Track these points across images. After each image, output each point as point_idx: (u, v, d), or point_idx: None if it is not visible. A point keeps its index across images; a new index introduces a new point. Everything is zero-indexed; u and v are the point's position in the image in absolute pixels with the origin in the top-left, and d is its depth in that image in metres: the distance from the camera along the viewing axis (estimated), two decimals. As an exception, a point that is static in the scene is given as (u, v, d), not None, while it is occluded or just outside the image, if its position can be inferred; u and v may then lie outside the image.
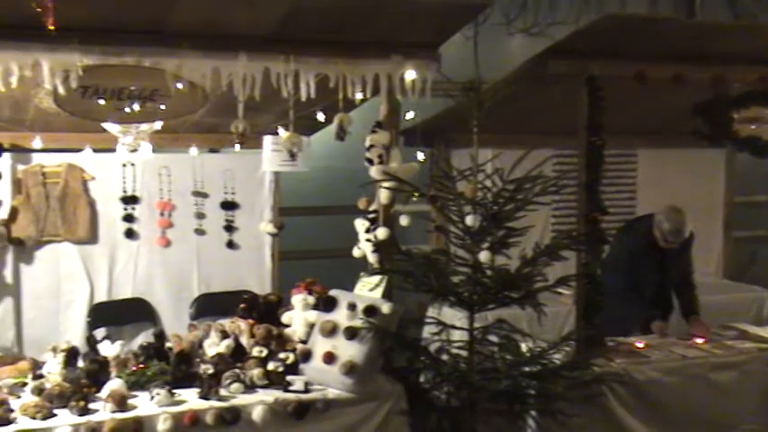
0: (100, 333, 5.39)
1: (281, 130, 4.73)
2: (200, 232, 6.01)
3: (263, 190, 6.18)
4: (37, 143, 5.31)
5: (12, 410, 3.79)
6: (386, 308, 4.33)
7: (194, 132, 5.80)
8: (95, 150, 5.58)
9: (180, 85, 4.17)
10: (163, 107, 4.24)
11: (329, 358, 4.30)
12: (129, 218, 5.82)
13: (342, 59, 4.43)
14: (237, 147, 4.70)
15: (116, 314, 5.74)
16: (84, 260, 5.71)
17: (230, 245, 6.08)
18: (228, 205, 6.08)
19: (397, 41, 4.54)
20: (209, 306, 5.85)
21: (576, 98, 4.77)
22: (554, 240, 4.46)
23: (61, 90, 3.98)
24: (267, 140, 5.82)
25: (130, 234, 5.83)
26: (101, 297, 5.76)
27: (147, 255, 5.88)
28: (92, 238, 5.73)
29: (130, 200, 5.82)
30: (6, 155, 5.34)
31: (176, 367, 4.33)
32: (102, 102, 4.14)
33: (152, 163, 5.72)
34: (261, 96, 4.27)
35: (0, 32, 3.81)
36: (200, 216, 6.01)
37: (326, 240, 7.03)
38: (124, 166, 5.77)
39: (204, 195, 6.02)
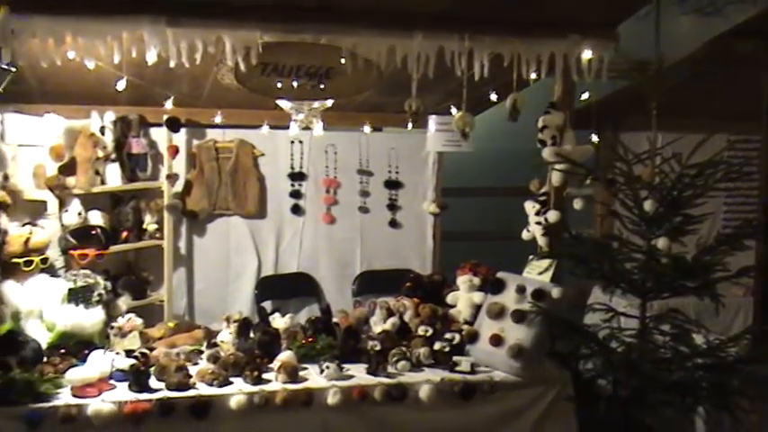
0: (266, 306, 5.54)
1: (453, 110, 4.67)
2: (363, 210, 6.08)
3: (426, 170, 6.18)
4: (217, 118, 5.51)
5: (190, 376, 3.94)
6: (555, 292, 4.23)
7: (360, 111, 5.87)
8: (265, 127, 5.70)
9: (355, 64, 4.18)
10: (338, 85, 4.26)
11: (496, 340, 4.24)
12: (295, 194, 5.96)
13: (517, 38, 4.32)
14: (410, 125, 4.69)
15: (281, 288, 5.89)
16: (252, 234, 5.89)
17: (393, 224, 6.12)
18: (392, 184, 6.11)
19: (574, 20, 4.39)
20: (372, 283, 5.92)
21: (756, 81, 4.47)
22: (736, 229, 4.21)
23: (242, 67, 4.08)
24: (432, 120, 5.82)
25: (297, 210, 5.96)
26: (267, 270, 5.93)
27: (312, 231, 6.00)
28: (260, 212, 5.91)
29: (298, 176, 5.95)
30: (183, 130, 5.54)
31: (344, 342, 4.39)
32: (279, 78, 4.20)
33: (319, 140, 5.82)
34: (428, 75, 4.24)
35: (186, 10, 3.93)
36: (365, 194, 6.08)
37: (486, 222, 6.97)
38: (292, 143, 5.90)
39: (369, 174, 6.08)
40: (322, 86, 4.28)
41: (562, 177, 4.49)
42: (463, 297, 4.78)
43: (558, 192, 4.59)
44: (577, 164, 4.25)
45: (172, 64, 3.97)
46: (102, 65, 4.07)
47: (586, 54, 4.36)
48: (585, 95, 4.77)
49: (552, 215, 4.52)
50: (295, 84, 4.21)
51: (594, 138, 4.86)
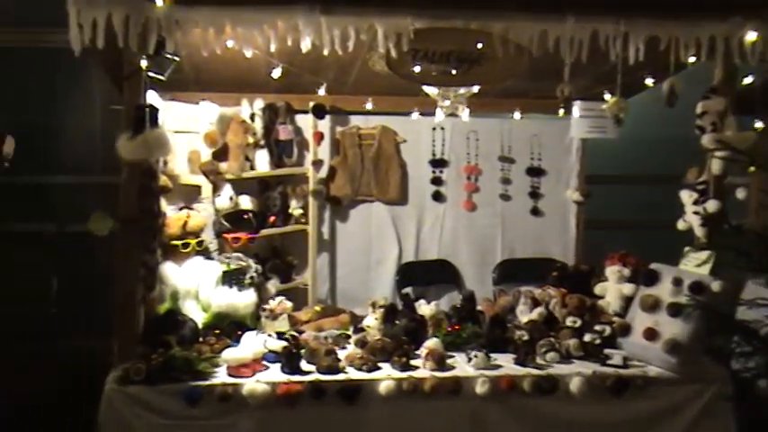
0: (407, 292, 5.56)
1: (607, 95, 4.54)
2: (505, 197, 6.00)
3: (569, 157, 6.04)
4: (369, 105, 5.57)
5: (339, 360, 3.99)
6: (715, 286, 4.04)
7: (502, 97, 5.79)
8: (415, 114, 5.69)
9: (506, 49, 4.11)
10: (487, 71, 4.21)
11: (650, 334, 4.10)
12: (436, 181, 5.94)
13: (675, 21, 4.14)
14: (561, 111, 4.58)
15: (422, 274, 5.89)
16: (393, 220, 5.92)
17: (535, 211, 6.02)
18: (534, 171, 6.01)
19: (736, 1, 4.17)
20: (513, 272, 5.84)
21: None
22: None
23: (393, 53, 4.07)
24: (576, 106, 5.67)
25: (438, 197, 5.95)
26: (408, 257, 5.94)
27: (452, 218, 5.97)
28: (402, 199, 5.92)
29: (439, 163, 5.93)
30: (327, 117, 5.61)
31: (490, 331, 4.35)
32: (430, 65, 4.18)
33: (461, 127, 5.79)
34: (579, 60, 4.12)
35: (340, -1, 3.97)
36: (506, 181, 6.00)
37: (630, 211, 6.75)
38: (434, 129, 5.88)
39: (510, 161, 6.00)
40: (470, 72, 4.23)
41: (723, 165, 4.29)
42: (612, 288, 4.66)
43: (719, 180, 4.39)
44: (740, 151, 4.05)
45: (325, 52, 4.01)
46: (258, 53, 4.16)
47: (750, 36, 4.14)
48: (749, 79, 4.53)
49: (712, 205, 4.33)
50: (453, 70, 4.17)
51: (758, 124, 4.61)
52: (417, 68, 4.17)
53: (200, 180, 4.95)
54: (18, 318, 3.56)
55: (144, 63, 3.94)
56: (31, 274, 3.71)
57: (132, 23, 3.66)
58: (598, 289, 4.73)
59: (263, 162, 5.33)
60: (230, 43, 4.05)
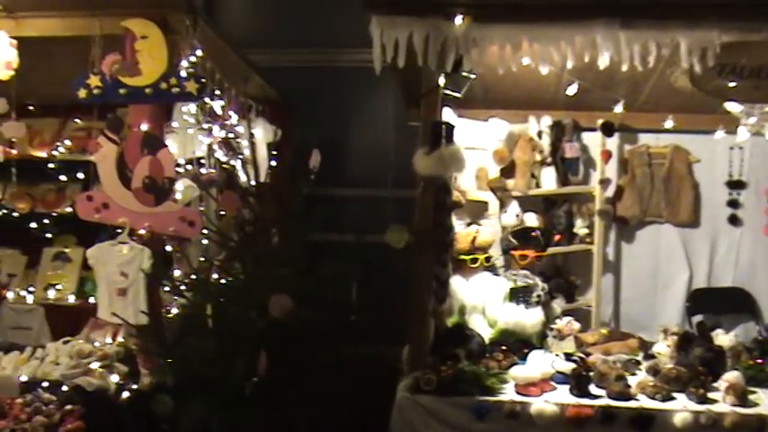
0: (696, 320, 5.25)
1: None
2: (811, 223, 5.50)
3: None
4: (668, 123, 5.36)
5: (629, 386, 3.84)
6: None
7: (813, 114, 5.30)
8: (719, 132, 5.38)
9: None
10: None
11: None
12: (733, 203, 5.58)
13: None
14: None
15: (715, 302, 5.54)
16: (684, 243, 5.63)
17: None
18: None
19: None
20: (821, 305, 5.33)
21: None
22: None
23: (698, 68, 3.87)
24: None
25: (734, 220, 5.59)
26: (699, 283, 5.62)
27: (750, 243, 5.58)
28: (693, 221, 5.63)
29: (736, 185, 5.56)
30: (616, 135, 5.45)
31: (798, 369, 3.99)
32: (737, 80, 3.93)
33: (762, 146, 5.38)
34: None
35: (641, 12, 3.82)
36: (814, 206, 5.50)
37: None
38: (731, 149, 5.52)
39: (818, 184, 5.49)
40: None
41: None
42: None
43: None
44: None
45: (624, 67, 3.90)
46: (553, 69, 4.13)
47: None
48: None
49: None
50: (761, 86, 3.90)
51: None
52: (724, 84, 3.93)
53: (487, 196, 5.01)
54: (322, 324, 3.78)
55: (441, 81, 4.05)
56: (335, 283, 3.93)
57: (432, 42, 3.77)
58: None
59: (548, 180, 5.30)
60: (526, 60, 4.06)
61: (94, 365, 3.94)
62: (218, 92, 4.61)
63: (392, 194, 5.55)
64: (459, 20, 3.76)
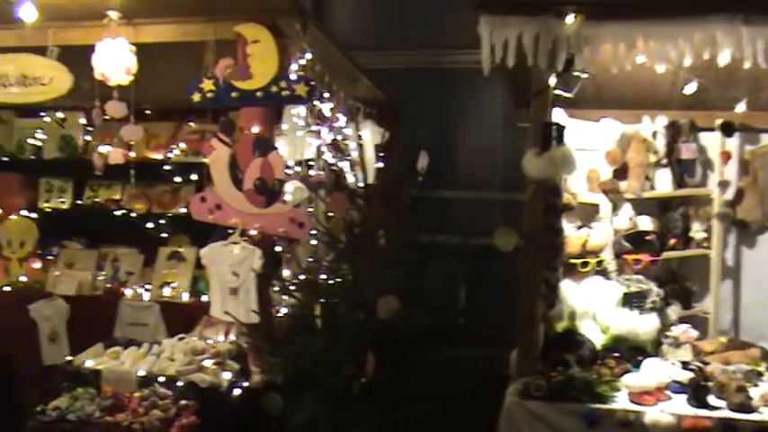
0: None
1: None
2: None
3: None
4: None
5: (751, 398, 3.67)
6: None
7: None
8: None
9: None
10: None
11: None
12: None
13: None
14: None
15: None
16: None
17: None
18: None
19: None
20: None
21: None
22: None
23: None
24: None
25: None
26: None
27: None
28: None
29: None
30: (736, 135, 5.23)
31: None
32: None
33: None
34: None
35: (765, 6, 3.65)
36: None
37: None
38: None
39: None
40: None
41: None
42: None
43: None
44: None
45: (746, 65, 3.73)
46: (669, 68, 3.99)
47: None
48: None
49: None
50: None
51: None
52: None
53: (599, 199, 4.88)
54: (430, 326, 3.77)
55: (552, 81, 3.97)
56: (442, 285, 3.91)
57: (542, 42, 3.69)
58: None
59: (663, 182, 5.12)
60: (640, 59, 3.93)
61: (208, 362, 4.04)
62: (326, 94, 4.67)
63: (500, 196, 5.49)
64: (570, 18, 3.68)
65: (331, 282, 4.09)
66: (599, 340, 4.28)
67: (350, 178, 4.92)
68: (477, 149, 5.88)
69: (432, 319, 3.82)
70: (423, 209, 4.23)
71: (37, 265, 6.17)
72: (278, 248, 4.38)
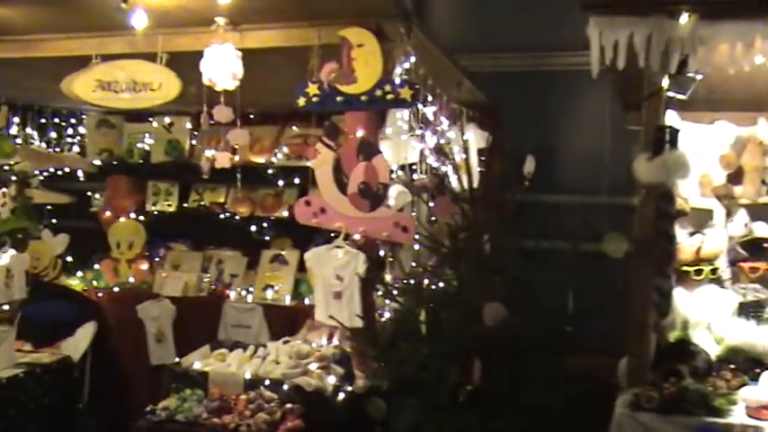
0: None
1: None
2: None
3: None
4: None
5: None
6: None
7: None
8: None
9: None
10: None
11: None
12: None
13: None
14: None
15: None
16: None
17: None
18: None
19: None
20: None
21: None
22: None
23: None
24: None
25: None
26: None
27: None
28: None
29: None
30: None
31: None
32: None
33: None
34: None
35: None
36: None
37: None
38: None
39: None
40: None
41: None
42: None
43: None
44: None
45: None
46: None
47: None
48: None
49: None
50: None
51: None
52: None
53: (712, 204, 4.70)
54: (537, 333, 3.69)
55: (665, 82, 3.84)
56: (549, 292, 3.82)
57: (654, 42, 3.58)
58: None
59: (787, 187, 4.90)
60: (759, 59, 3.77)
61: (313, 366, 4.06)
62: (430, 98, 4.64)
63: (607, 201, 5.35)
64: (684, 18, 3.55)
65: (434, 287, 4.04)
66: (713, 351, 4.11)
67: (453, 182, 4.87)
68: (583, 153, 5.75)
69: (539, 327, 3.73)
70: (528, 213, 4.15)
71: (144, 266, 6.35)
72: (381, 253, 4.36)
